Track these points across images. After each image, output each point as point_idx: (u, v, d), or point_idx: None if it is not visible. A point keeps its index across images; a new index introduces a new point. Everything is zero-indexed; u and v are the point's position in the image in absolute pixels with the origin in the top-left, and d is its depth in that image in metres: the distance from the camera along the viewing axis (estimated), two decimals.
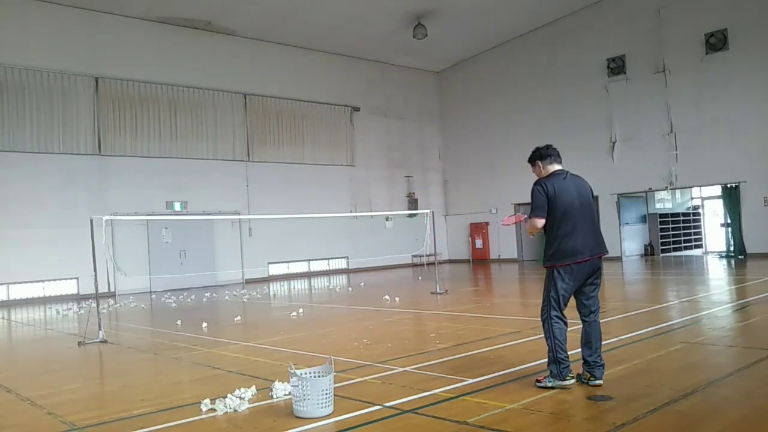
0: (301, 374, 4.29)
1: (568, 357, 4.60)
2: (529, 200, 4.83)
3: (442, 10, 19.86)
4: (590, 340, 4.69)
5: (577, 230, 4.64)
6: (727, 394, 4.43)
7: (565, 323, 4.66)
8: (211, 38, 19.52)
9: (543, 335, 4.72)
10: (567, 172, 4.86)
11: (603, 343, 4.79)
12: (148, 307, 13.55)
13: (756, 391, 4.45)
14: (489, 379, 5.04)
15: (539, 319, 4.77)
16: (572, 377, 4.60)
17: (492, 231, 23.94)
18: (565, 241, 4.63)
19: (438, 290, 12.57)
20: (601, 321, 4.80)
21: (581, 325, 4.80)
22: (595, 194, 21.15)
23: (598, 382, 4.59)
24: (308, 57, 21.78)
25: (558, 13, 21.30)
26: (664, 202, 23.49)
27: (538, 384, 4.66)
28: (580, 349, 4.73)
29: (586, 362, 4.68)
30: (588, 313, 4.75)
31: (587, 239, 4.66)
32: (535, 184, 4.78)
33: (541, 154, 4.92)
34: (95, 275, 8.70)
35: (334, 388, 4.43)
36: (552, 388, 4.57)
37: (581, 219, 4.68)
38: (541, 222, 4.71)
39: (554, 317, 4.62)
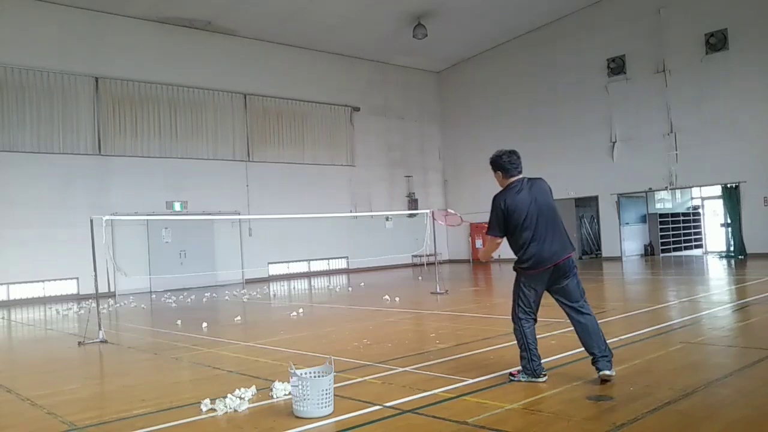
0: (301, 374, 4.29)
1: (538, 356, 4.80)
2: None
3: (442, 10, 19.85)
4: (584, 337, 4.71)
5: (537, 239, 4.70)
6: (727, 394, 4.42)
7: (535, 321, 4.86)
8: (211, 38, 19.52)
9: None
10: (524, 179, 4.88)
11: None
12: (148, 307, 13.55)
13: (756, 391, 4.45)
14: (489, 379, 5.04)
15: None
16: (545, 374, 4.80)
17: None
18: (527, 250, 4.74)
19: (438, 290, 12.57)
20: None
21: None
22: (594, 194, 20.94)
23: (604, 373, 4.56)
24: (308, 57, 21.78)
25: (558, 13, 21.30)
26: (664, 202, 23.48)
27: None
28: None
29: (592, 358, 4.69)
30: (570, 309, 4.76)
31: (550, 245, 4.70)
32: (494, 199, 4.86)
33: (502, 167, 4.89)
34: (95, 275, 8.70)
35: (334, 388, 4.43)
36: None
37: (541, 226, 4.72)
38: (498, 240, 4.88)
39: (522, 318, 4.82)
